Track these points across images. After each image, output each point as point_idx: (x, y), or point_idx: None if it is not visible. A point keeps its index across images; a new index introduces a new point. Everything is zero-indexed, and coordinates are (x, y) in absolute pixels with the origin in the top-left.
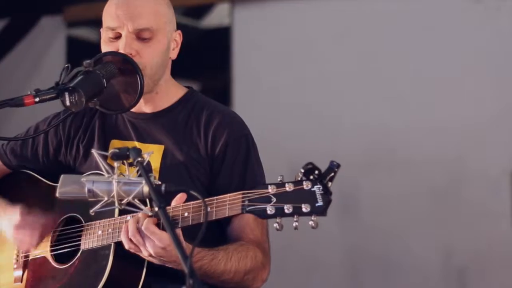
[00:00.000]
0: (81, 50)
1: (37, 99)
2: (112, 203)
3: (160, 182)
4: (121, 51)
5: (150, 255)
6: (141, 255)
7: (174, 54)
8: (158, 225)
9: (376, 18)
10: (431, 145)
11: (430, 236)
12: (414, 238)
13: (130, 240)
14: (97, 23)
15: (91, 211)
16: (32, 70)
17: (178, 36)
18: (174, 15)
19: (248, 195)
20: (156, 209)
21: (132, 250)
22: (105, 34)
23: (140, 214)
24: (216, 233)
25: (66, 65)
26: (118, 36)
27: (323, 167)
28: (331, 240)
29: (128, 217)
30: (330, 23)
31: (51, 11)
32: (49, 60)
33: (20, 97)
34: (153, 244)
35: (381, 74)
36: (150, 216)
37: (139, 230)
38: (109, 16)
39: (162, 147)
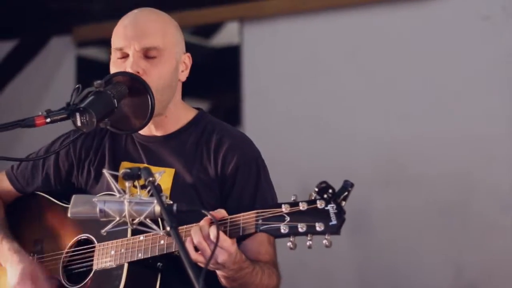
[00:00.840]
0: (91, 70)
1: (48, 120)
2: (124, 223)
3: (171, 202)
4: (128, 69)
5: (216, 263)
6: (201, 264)
7: (183, 77)
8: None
9: (385, 35)
10: (441, 160)
11: (440, 251)
12: (424, 254)
13: (196, 248)
14: (107, 43)
15: (102, 231)
16: (42, 90)
17: (187, 59)
18: (183, 38)
19: (262, 214)
20: (168, 228)
21: (198, 259)
22: (114, 55)
23: (202, 223)
24: None
25: (77, 86)
26: (125, 56)
27: (334, 184)
28: (342, 256)
29: (142, 237)
30: (339, 40)
31: (60, 31)
32: (59, 80)
33: (31, 117)
34: (220, 251)
35: (391, 91)
36: (168, 235)
37: (205, 238)
38: (117, 36)
39: (172, 170)
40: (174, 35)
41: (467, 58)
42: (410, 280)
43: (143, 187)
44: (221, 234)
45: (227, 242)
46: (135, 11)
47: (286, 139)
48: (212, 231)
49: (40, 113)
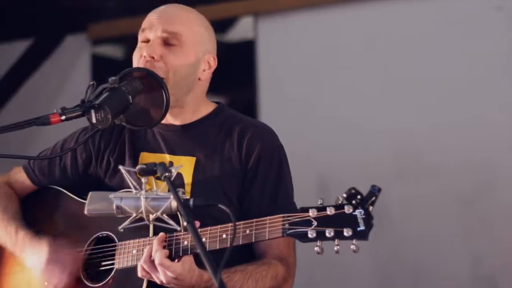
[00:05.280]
0: (106, 67)
1: (63, 117)
2: (141, 219)
3: (188, 197)
4: (144, 53)
5: (162, 283)
6: (154, 280)
7: (204, 76)
8: (170, 250)
9: (399, 27)
10: (458, 150)
11: (459, 243)
12: (442, 245)
13: (142, 268)
14: (122, 40)
15: (120, 227)
16: (58, 88)
17: (212, 60)
18: (212, 40)
19: (289, 218)
20: (185, 223)
21: (144, 277)
22: (139, 39)
23: (154, 243)
24: (244, 248)
25: (92, 83)
26: (147, 41)
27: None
28: (360, 249)
29: None
30: (354, 33)
31: (75, 30)
32: (75, 78)
33: (46, 115)
34: (164, 274)
35: (406, 82)
36: (179, 231)
37: (151, 260)
38: (144, 21)
39: (193, 159)
40: (199, 32)
41: (482, 48)
42: (428, 271)
43: (159, 178)
44: (166, 261)
45: (169, 268)
46: (169, 4)
47: (302, 132)
48: (158, 260)
49: (55, 111)
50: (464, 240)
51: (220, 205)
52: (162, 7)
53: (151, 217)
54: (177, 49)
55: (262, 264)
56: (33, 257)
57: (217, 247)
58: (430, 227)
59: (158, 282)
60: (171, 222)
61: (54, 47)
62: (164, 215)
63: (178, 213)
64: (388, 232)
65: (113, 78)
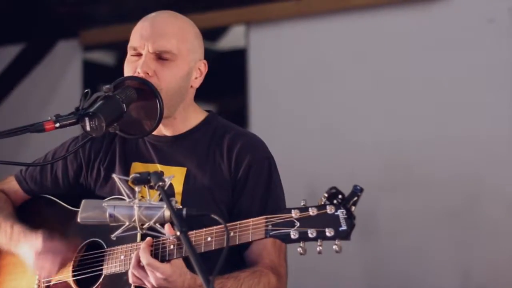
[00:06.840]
0: (98, 74)
1: (57, 125)
2: (134, 228)
3: (181, 206)
4: (139, 69)
5: (153, 287)
6: (145, 286)
7: (196, 83)
8: (157, 254)
9: (390, 37)
10: (448, 163)
11: (448, 254)
12: (432, 257)
13: (133, 273)
14: (113, 46)
15: (112, 235)
16: (49, 94)
17: (203, 66)
18: (201, 45)
19: (272, 219)
20: (178, 233)
21: (135, 284)
22: (128, 52)
23: (141, 247)
24: (235, 256)
25: (86, 90)
26: (139, 55)
27: (342, 187)
28: (350, 260)
29: None
30: (345, 43)
31: (67, 35)
32: (66, 84)
33: (40, 122)
34: (155, 277)
35: (397, 94)
36: (178, 239)
37: (140, 265)
38: (134, 35)
39: (184, 169)
40: (190, 41)
41: (473, 61)
42: (418, 283)
43: (151, 187)
44: (155, 262)
45: (158, 269)
46: (157, 12)
47: (292, 142)
48: (147, 260)
49: (49, 118)
50: (453, 253)
51: (213, 215)
52: (152, 16)
53: (144, 225)
54: (170, 63)
55: (254, 272)
56: (27, 249)
57: (202, 250)
58: (419, 239)
59: (149, 286)
60: (163, 231)
61: (45, 53)
62: (157, 224)
63: (170, 222)
64: (377, 243)
65: (107, 86)
